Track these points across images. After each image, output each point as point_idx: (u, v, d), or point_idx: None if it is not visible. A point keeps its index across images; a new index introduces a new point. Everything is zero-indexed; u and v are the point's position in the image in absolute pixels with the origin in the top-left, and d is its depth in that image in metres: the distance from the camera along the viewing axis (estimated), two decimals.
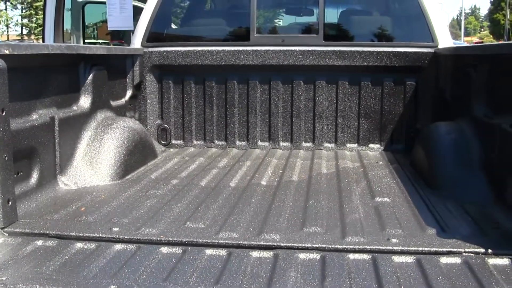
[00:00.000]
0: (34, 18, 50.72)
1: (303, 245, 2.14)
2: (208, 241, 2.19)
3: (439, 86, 4.03)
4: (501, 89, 2.92)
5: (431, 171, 3.17)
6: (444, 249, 2.09)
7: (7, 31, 53.68)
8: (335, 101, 4.22)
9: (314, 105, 4.23)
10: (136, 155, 3.50)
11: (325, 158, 3.89)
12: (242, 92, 4.29)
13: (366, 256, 2.05)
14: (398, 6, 4.73)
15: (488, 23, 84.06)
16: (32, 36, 50.59)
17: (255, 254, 2.07)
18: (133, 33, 4.66)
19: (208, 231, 2.30)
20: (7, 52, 2.37)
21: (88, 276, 1.88)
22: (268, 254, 2.07)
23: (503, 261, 2.00)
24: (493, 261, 2.00)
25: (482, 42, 44.71)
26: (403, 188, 3.02)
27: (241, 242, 2.18)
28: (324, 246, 2.13)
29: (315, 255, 2.06)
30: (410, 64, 4.09)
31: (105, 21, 6.79)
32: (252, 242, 2.17)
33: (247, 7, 4.29)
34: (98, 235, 2.25)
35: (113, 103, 3.77)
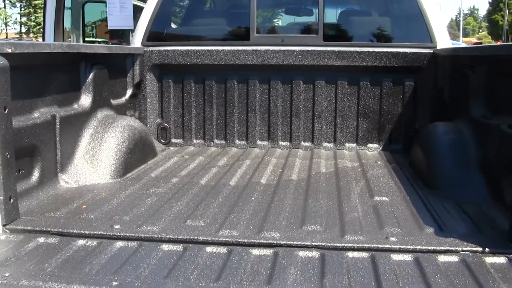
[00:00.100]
0: (33, 16, 50.64)
1: (303, 243, 2.16)
2: (209, 238, 2.21)
3: (437, 87, 4.06)
4: (499, 90, 2.94)
5: (429, 171, 3.19)
6: (442, 248, 2.11)
7: (6, 29, 53.62)
8: (334, 101, 4.24)
9: (313, 105, 4.26)
10: (136, 154, 3.52)
11: (324, 157, 3.91)
12: (242, 92, 4.31)
13: (365, 254, 2.07)
14: (397, 7, 4.75)
15: (487, 24, 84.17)
16: (31, 35, 50.48)
17: (255, 251, 2.09)
18: (132, 32, 4.68)
19: (209, 229, 2.32)
20: (9, 50, 2.38)
21: (90, 272, 1.90)
22: (268, 251, 2.10)
23: (500, 259, 2.03)
24: (490, 259, 2.02)
25: (481, 43, 44.78)
26: (402, 188, 3.05)
27: (241, 240, 2.20)
28: (323, 244, 2.15)
29: (315, 253, 2.08)
30: (409, 65, 4.11)
31: (104, 20, 6.80)
32: (252, 240, 2.19)
33: (247, 7, 4.31)
34: (99, 233, 2.27)
35: (114, 102, 3.78)
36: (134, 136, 3.51)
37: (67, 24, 6.17)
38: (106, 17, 5.75)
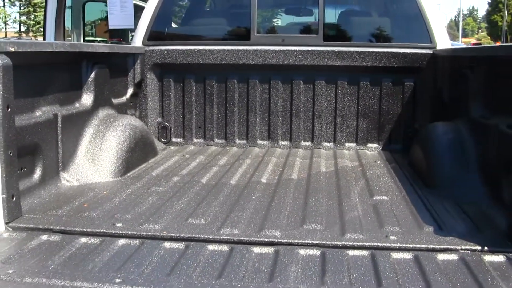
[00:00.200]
0: (32, 16, 50.57)
1: (303, 241, 2.18)
2: (210, 237, 2.23)
3: (437, 87, 4.07)
4: (498, 91, 2.96)
5: (429, 170, 3.21)
6: (441, 246, 2.13)
7: (5, 28, 53.55)
8: (334, 101, 4.26)
9: (313, 105, 4.27)
10: (137, 153, 3.54)
11: (324, 157, 3.92)
12: (242, 91, 4.33)
13: (365, 253, 2.09)
14: (397, 7, 4.77)
15: (486, 25, 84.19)
16: (30, 33, 50.44)
17: (256, 249, 2.11)
18: (131, 32, 4.69)
19: (210, 227, 2.34)
20: (12, 49, 2.40)
21: (93, 270, 1.91)
22: (269, 250, 2.11)
23: (499, 258, 2.05)
24: (489, 258, 2.04)
25: (480, 44, 44.84)
26: (401, 187, 3.06)
27: (243, 238, 2.22)
28: (324, 242, 2.17)
29: (315, 251, 2.10)
30: (409, 65, 4.13)
31: (103, 19, 6.82)
32: (253, 238, 2.21)
33: (248, 7, 4.33)
34: (101, 231, 2.28)
35: (115, 101, 3.80)
36: (135, 135, 3.53)
37: (68, 23, 6.18)
38: (106, 16, 5.77)
